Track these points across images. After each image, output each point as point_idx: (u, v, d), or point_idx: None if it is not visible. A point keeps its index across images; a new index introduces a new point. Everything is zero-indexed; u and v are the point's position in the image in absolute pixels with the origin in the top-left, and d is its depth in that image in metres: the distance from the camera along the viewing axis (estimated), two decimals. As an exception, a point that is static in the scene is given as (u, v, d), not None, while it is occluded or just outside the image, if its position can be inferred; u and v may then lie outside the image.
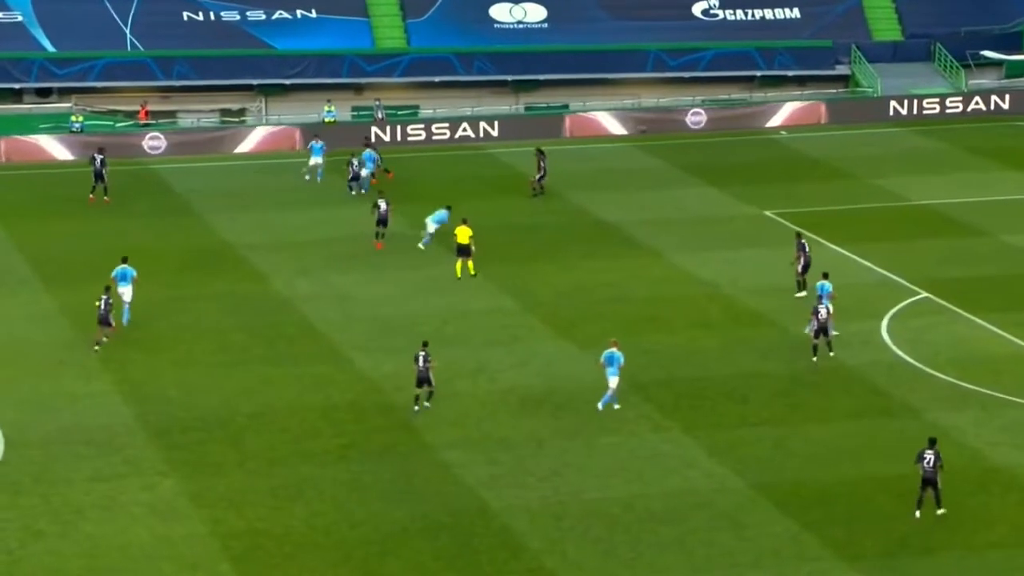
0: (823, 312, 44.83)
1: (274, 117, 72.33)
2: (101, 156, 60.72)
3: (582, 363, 45.00)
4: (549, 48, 75.69)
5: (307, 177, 63.01)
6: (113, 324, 45.88)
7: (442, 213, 54.61)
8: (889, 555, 34.77)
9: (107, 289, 46.48)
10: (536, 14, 77.38)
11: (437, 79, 74.31)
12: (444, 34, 75.90)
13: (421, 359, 41.47)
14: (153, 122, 70.28)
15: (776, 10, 78.48)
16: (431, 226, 54.33)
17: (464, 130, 70.27)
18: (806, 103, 73.47)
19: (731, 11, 78.21)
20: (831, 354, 45.03)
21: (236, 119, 72.53)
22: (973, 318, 48.61)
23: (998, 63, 75.95)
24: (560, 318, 48.56)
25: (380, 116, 71.16)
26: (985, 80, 75.43)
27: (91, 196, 60.56)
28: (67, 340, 46.71)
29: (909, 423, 41.33)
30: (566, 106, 73.57)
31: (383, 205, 55.09)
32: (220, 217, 58.96)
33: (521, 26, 77.04)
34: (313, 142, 63.69)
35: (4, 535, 35.20)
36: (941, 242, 56.02)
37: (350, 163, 61.55)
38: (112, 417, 41.39)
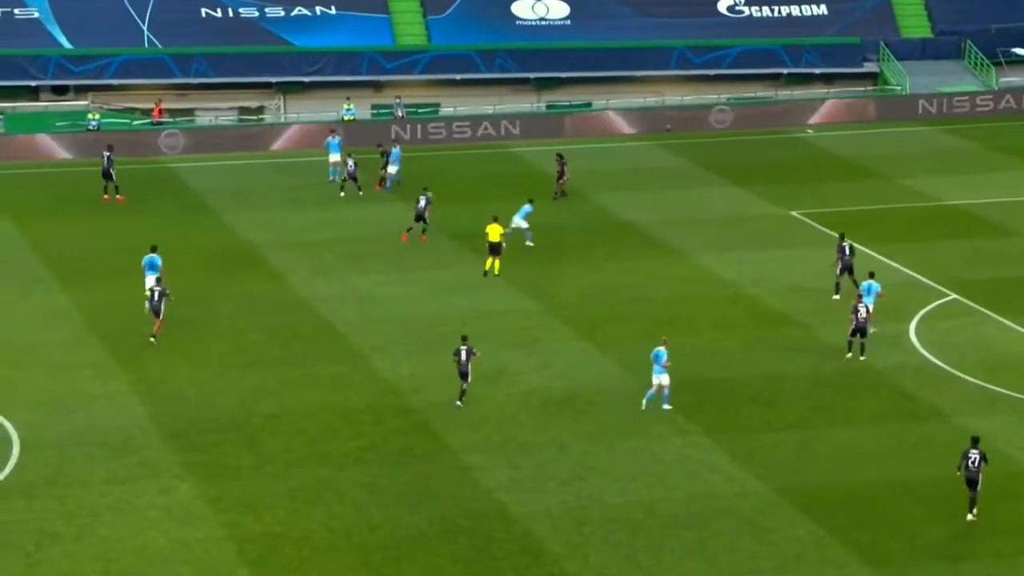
0: (863, 312, 44.83)
1: (293, 115, 72.51)
2: (108, 154, 60.95)
3: (604, 365, 45.08)
4: (571, 45, 75.76)
5: (331, 178, 62.98)
6: (162, 315, 46.37)
7: (527, 207, 55.04)
8: (915, 561, 34.77)
9: (158, 280, 47.20)
10: (559, 11, 77.43)
11: (458, 77, 74.42)
12: (465, 31, 75.98)
13: (464, 353, 41.71)
14: (169, 120, 70.52)
15: (803, 7, 78.43)
16: (518, 222, 54.66)
17: (485, 128, 70.36)
18: (834, 101, 73.39)
19: (757, 7, 78.17)
20: (862, 358, 45.03)
21: (254, 117, 72.73)
22: (1002, 320, 48.56)
23: (1028, 61, 75.99)
24: (582, 319, 48.62)
25: (400, 114, 71.29)
26: (1016, 78, 75.32)
27: (104, 196, 60.83)
28: (82, 339, 46.92)
29: (937, 427, 41.32)
30: (589, 104, 73.62)
31: (423, 201, 55.08)
32: (238, 216, 59.17)
33: (543, 23, 77.10)
34: (329, 138, 63.78)
35: (20, 538, 35.40)
36: (970, 243, 55.99)
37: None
38: (127, 418, 41.58)
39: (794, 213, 59.59)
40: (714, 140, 70.43)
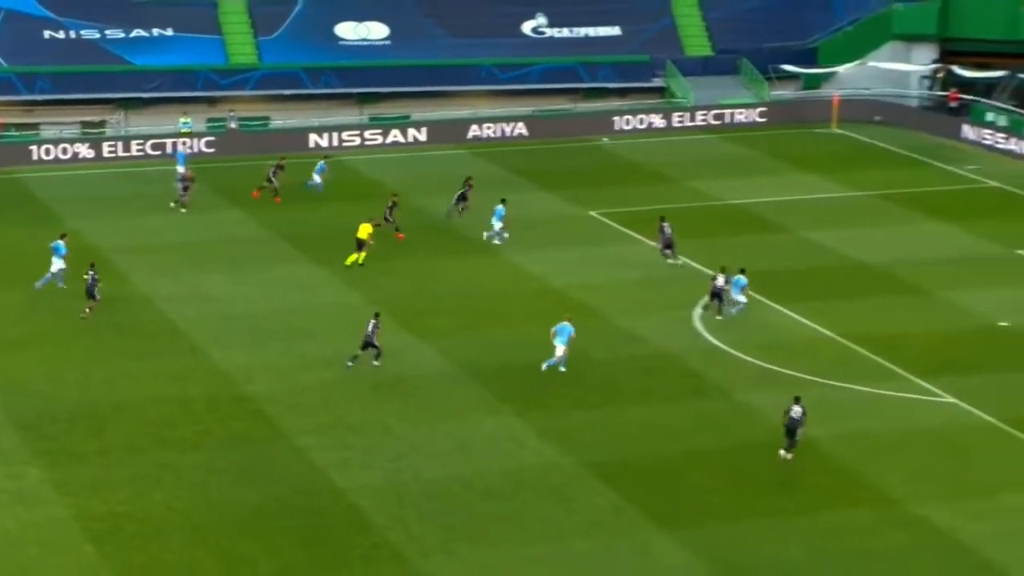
0: (720, 280, 47.64)
1: (133, 129, 71.21)
2: None
3: (425, 354, 45.02)
4: (391, 63, 75.54)
5: (180, 185, 61.72)
6: (98, 297, 46.56)
7: (500, 208, 55.16)
8: (702, 523, 35.28)
9: (92, 265, 47.03)
10: (379, 32, 77.20)
11: (287, 92, 73.82)
12: (293, 51, 75.42)
13: (371, 326, 42.83)
14: (14, 133, 68.74)
15: (599, 28, 79.16)
16: (495, 223, 54.75)
17: (312, 139, 69.94)
18: (627, 112, 74.17)
19: (557, 29, 78.77)
20: (718, 317, 47.36)
21: (96, 131, 71.22)
22: (777, 306, 49.46)
23: (796, 76, 77.41)
24: (406, 312, 48.45)
25: (234, 126, 70.52)
26: (786, 91, 76.84)
27: None
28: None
29: (721, 403, 41.97)
30: (407, 116, 73.49)
31: (390, 203, 55.67)
32: (84, 223, 57.82)
33: (365, 43, 76.81)
34: (179, 149, 62.69)
35: None
36: (748, 238, 56.93)
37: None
38: (-20, 411, 40.48)
39: (593, 213, 60.04)
40: (520, 148, 70.70)
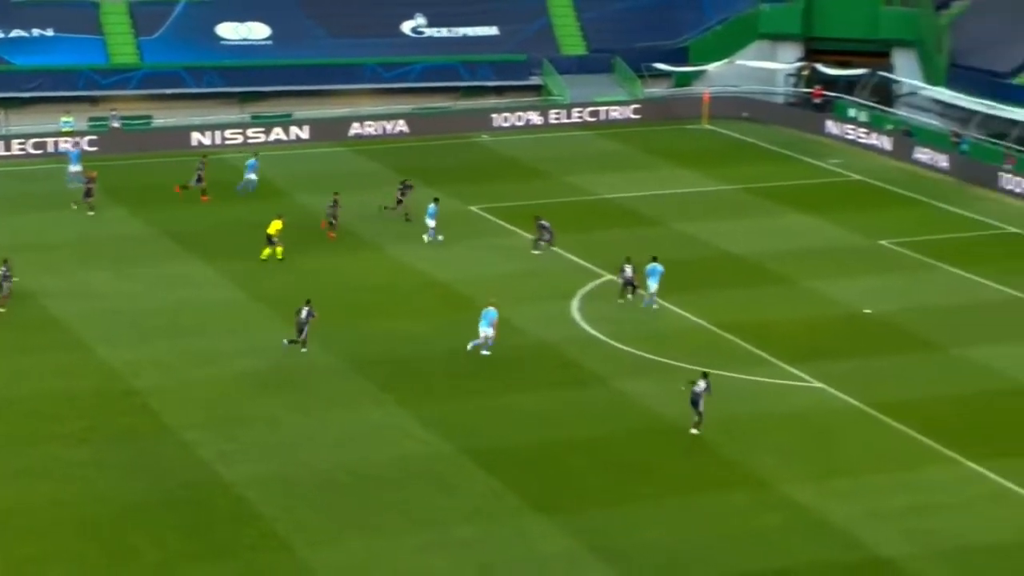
0: (628, 271, 48.38)
1: (15, 128, 69.97)
2: None
3: (310, 347, 44.79)
4: (272, 63, 75.01)
5: (70, 185, 60.73)
6: (6, 293, 46.49)
7: (432, 207, 55.03)
8: (580, 507, 35.57)
9: (4, 261, 46.57)
10: (260, 32, 76.60)
11: (168, 91, 73.02)
12: (175, 50, 74.57)
13: (303, 312, 43.58)
14: None
15: (477, 28, 79.27)
16: (428, 222, 54.59)
17: (195, 138, 69.25)
18: (505, 110, 74.40)
19: (436, 29, 78.77)
20: (629, 297, 48.49)
21: (-21, 129, 69.96)
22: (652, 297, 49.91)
23: (668, 74, 78.21)
24: (291, 307, 48.14)
25: (116, 125, 69.64)
26: (658, 89, 77.60)
27: None
28: None
29: (598, 391, 42.34)
30: (289, 115, 73.03)
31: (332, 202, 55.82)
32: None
33: (246, 43, 76.17)
34: (69, 148, 61.79)
35: None
36: (623, 231, 57.38)
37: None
38: None
39: (474, 208, 60.17)
40: (402, 146, 70.63)
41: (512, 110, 74.37)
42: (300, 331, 43.99)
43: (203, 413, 40.18)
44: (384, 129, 72.31)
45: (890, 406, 41.14)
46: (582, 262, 53.18)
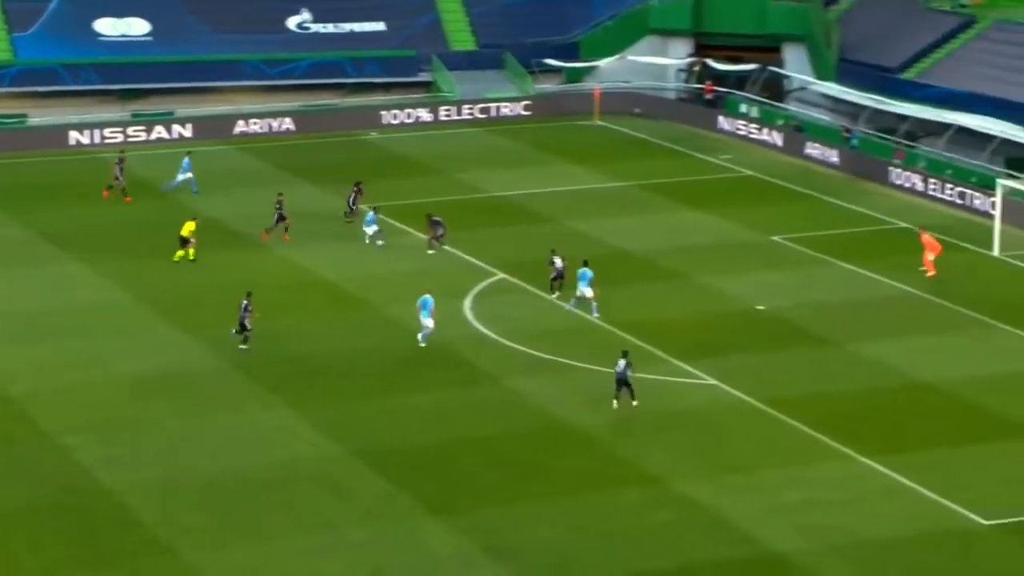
0: (559, 263, 48.81)
1: None
2: None
3: (193, 348, 44.41)
4: (153, 60, 74.18)
5: None
6: None
7: (370, 215, 54.78)
8: (474, 507, 35.55)
9: None
10: (140, 28, 75.75)
11: (43, 89, 71.88)
12: (50, 46, 73.48)
13: (243, 306, 43.66)
14: None
15: (364, 23, 79.02)
16: (367, 229, 54.34)
17: (73, 137, 68.26)
18: (394, 107, 74.19)
19: (322, 24, 78.38)
20: (558, 293, 48.81)
21: None
22: (544, 295, 50.06)
23: (559, 70, 78.52)
24: (171, 308, 47.66)
25: (-9, 124, 68.61)
26: (548, 85, 77.86)
27: None
28: None
29: (491, 390, 42.36)
30: (171, 113, 72.23)
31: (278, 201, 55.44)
32: None
33: (125, 39, 75.30)
34: None
35: None
36: (513, 229, 57.47)
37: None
38: None
39: (363, 207, 59.79)
40: (288, 144, 70.14)
41: (401, 107, 74.23)
42: (242, 325, 43.85)
43: (83, 418, 39.59)
44: (270, 127, 71.82)
45: (783, 402, 41.60)
46: (474, 260, 53.18)
